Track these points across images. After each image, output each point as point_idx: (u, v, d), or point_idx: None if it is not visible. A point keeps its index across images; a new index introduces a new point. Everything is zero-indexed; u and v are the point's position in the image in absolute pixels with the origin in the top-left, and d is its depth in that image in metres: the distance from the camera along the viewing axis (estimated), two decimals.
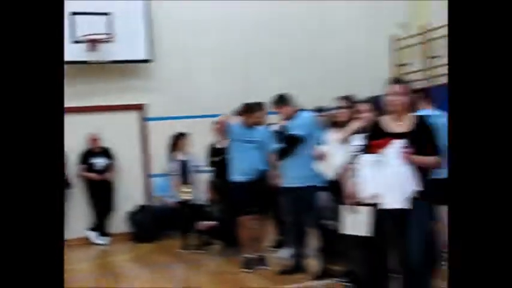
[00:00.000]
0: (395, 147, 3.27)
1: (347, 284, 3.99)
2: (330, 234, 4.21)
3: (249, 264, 4.99)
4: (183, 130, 6.23)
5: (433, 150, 3.32)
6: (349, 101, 4.10)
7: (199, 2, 7.10)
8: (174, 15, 7.07)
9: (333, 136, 4.14)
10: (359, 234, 3.66)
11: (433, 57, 7.22)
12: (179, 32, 7.17)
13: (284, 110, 4.67)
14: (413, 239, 3.31)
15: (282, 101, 4.73)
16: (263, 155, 5.01)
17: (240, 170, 5.00)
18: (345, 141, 3.99)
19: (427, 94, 4.50)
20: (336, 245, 4.23)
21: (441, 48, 6.93)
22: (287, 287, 4.43)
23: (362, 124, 3.82)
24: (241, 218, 4.90)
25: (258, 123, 5.03)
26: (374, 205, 3.40)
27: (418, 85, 6.08)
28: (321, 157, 4.10)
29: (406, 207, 3.22)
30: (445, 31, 6.49)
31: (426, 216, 3.37)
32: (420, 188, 3.20)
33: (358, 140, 3.70)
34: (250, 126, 5.00)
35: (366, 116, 3.77)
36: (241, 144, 5.04)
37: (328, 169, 4.13)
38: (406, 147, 3.22)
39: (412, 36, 7.63)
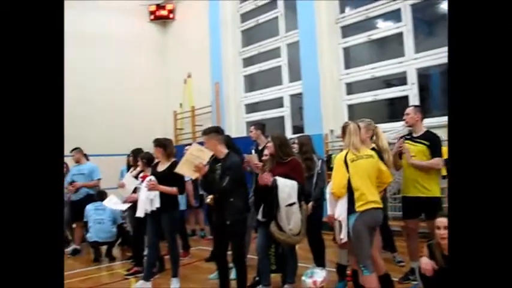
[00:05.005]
0: (147, 180, 4.22)
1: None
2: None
3: None
4: None
5: (177, 183, 4.19)
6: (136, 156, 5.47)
7: None
8: None
9: (127, 174, 5.54)
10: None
11: (197, 125, 9.79)
12: None
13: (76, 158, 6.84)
14: (166, 229, 4.26)
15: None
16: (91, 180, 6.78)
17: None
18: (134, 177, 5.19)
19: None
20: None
21: (202, 120, 9.63)
22: None
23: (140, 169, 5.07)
24: None
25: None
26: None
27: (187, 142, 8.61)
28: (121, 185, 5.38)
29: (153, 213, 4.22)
30: (203, 111, 9.67)
31: (172, 216, 4.31)
32: (159, 205, 4.15)
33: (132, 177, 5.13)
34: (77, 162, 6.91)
35: (140, 164, 5.04)
36: (76, 175, 6.80)
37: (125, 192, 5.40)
38: (151, 180, 4.17)
39: (185, 112, 10.33)
